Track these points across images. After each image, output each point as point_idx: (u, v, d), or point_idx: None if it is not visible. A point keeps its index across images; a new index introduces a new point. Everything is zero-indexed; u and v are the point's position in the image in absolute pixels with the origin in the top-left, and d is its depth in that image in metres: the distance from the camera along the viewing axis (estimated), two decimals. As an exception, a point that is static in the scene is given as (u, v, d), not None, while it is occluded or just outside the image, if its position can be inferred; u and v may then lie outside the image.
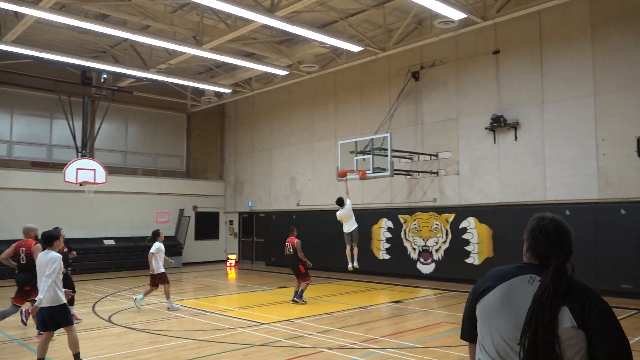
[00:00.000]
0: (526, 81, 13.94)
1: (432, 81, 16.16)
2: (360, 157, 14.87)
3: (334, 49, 16.57)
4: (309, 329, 8.92)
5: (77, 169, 16.14)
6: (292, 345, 7.76)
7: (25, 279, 8.07)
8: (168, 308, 10.93)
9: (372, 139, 14.81)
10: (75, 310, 11.10)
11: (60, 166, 17.71)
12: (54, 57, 15.68)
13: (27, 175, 18.56)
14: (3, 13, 14.17)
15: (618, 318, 2.02)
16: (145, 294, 11.18)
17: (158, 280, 11.03)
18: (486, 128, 14.53)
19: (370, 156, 14.54)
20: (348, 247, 12.06)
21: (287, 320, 9.73)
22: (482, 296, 2.16)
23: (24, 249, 8.21)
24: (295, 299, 11.69)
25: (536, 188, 13.53)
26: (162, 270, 11.12)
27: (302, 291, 11.77)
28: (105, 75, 17.51)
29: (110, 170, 18.42)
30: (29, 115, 19.38)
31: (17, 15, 13.38)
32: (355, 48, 14.73)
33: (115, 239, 20.27)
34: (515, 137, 14.01)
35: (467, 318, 2.29)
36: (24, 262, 8.19)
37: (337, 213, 11.95)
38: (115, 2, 13.14)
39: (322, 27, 15.62)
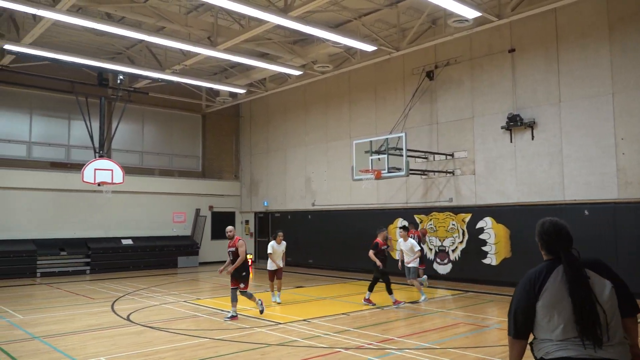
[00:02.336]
0: (542, 80, 13.80)
1: (447, 80, 16.07)
2: (375, 156, 14.84)
3: (348, 49, 16.55)
4: (325, 329, 8.94)
5: (95, 169, 16.35)
6: (308, 345, 7.78)
7: None
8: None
9: (387, 138, 14.77)
10: (95, 309, 11.27)
11: (78, 166, 17.94)
12: (71, 58, 15.89)
13: (46, 176, 18.83)
14: (21, 16, 14.39)
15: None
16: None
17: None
18: (502, 127, 14.41)
19: (385, 156, 14.50)
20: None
21: (304, 320, 9.76)
22: (540, 292, 2.75)
23: None
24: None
25: (553, 187, 13.39)
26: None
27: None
28: (121, 77, 17.70)
29: (128, 170, 18.62)
30: (48, 116, 19.67)
31: (35, 18, 13.56)
32: (369, 48, 14.71)
33: (133, 238, 20.48)
34: (532, 136, 13.87)
35: (525, 316, 2.79)
36: None
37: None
38: (131, 4, 13.27)
39: (335, 27, 15.61)
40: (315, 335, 8.45)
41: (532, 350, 2.86)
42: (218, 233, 23.26)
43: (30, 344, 8.04)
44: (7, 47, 14.56)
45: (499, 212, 14.51)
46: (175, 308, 11.31)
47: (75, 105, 17.63)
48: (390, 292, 11.23)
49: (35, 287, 15.54)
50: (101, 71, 17.94)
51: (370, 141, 15.22)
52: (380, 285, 11.52)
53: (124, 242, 20.13)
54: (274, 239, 12.62)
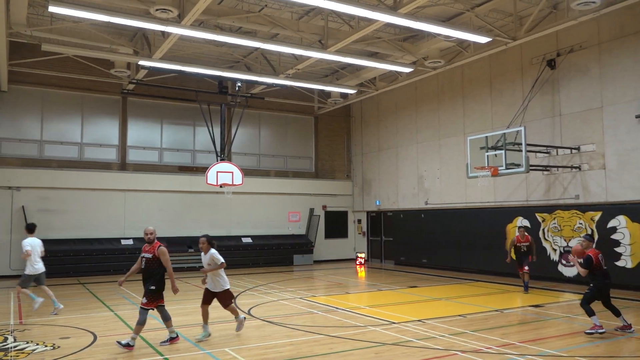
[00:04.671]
0: (686, 61, 12.30)
1: (571, 68, 14.93)
2: (492, 152, 14.20)
3: (461, 42, 16.02)
4: (441, 330, 8.73)
5: (217, 172, 17.43)
6: (423, 346, 7.66)
7: None
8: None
9: (504, 133, 14.07)
10: (218, 303, 11.99)
11: (202, 169, 19.29)
12: (195, 69, 17.10)
13: (174, 179, 20.49)
14: (152, 33, 15.77)
15: None
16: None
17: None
18: (637, 116, 13.08)
19: (503, 152, 13.82)
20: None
21: (418, 320, 9.62)
22: None
23: None
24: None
25: (702, 182, 11.88)
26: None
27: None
28: (239, 84, 18.72)
29: (246, 172, 19.60)
30: (176, 124, 21.34)
31: (164, 34, 14.80)
32: (483, 39, 14.12)
33: (252, 236, 21.55)
34: (674, 125, 12.42)
35: None
36: None
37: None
38: (247, 14, 13.97)
39: (447, 21, 15.20)
40: (431, 336, 8.29)
41: None
42: (332, 232, 23.82)
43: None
44: (141, 62, 16.05)
45: (635, 210, 13.19)
46: (291, 304, 11.71)
47: (199, 113, 18.96)
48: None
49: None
50: (221, 79, 19.10)
51: (486, 137, 14.59)
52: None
53: (244, 240, 21.25)
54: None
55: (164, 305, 7.96)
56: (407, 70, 17.37)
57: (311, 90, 22.65)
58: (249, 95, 20.62)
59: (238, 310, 8.74)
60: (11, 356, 7.20)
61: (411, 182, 21.10)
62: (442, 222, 19.22)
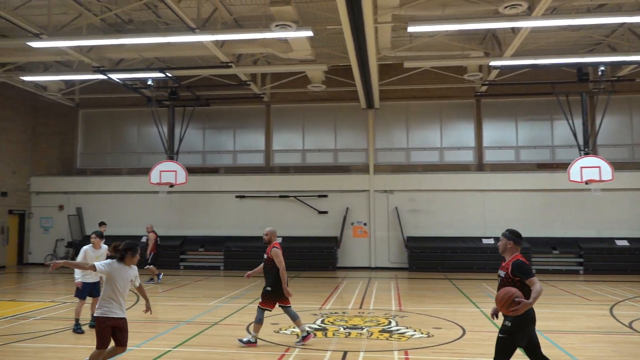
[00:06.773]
0: None
1: None
2: None
3: None
4: None
5: (581, 167, 16.10)
6: None
7: None
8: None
9: None
10: (591, 311, 10.96)
11: (564, 166, 18.00)
12: (549, 60, 16.12)
13: (533, 177, 19.75)
14: (501, 32, 15.67)
15: None
16: None
17: None
18: None
19: None
20: None
21: None
22: None
23: None
24: None
25: None
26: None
27: None
28: (602, 68, 16.74)
29: (616, 166, 17.31)
30: (531, 120, 20.63)
31: (514, 31, 14.51)
32: None
33: (628, 239, 18.84)
34: None
35: None
36: None
37: None
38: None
39: None
40: None
41: None
42: None
43: (531, 335, 8.54)
44: (492, 63, 16.15)
45: None
46: (688, 321, 9.71)
47: (556, 106, 17.82)
48: None
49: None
50: (580, 66, 17.47)
51: None
52: None
53: (618, 243, 18.73)
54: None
55: (288, 307, 7.85)
56: None
57: (702, 60, 18.38)
58: (616, 78, 18.16)
59: None
60: (395, 338, 8.27)
61: None
62: None
